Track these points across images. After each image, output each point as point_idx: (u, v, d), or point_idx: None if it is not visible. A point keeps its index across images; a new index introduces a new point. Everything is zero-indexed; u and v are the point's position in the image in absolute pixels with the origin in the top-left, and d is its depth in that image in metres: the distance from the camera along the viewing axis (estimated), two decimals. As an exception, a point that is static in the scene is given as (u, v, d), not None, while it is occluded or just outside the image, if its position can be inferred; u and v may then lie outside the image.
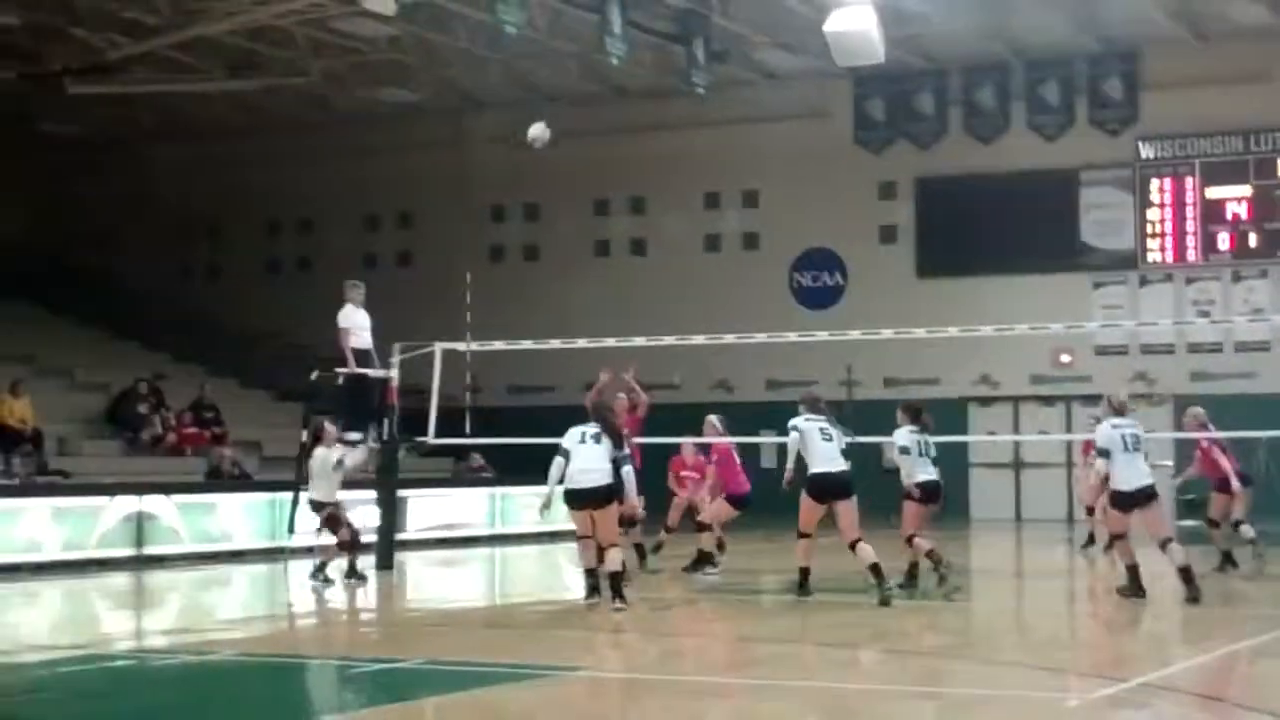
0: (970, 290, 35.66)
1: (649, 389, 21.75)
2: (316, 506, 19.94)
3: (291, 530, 22.26)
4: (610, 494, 16.38)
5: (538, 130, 22.44)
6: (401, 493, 23.58)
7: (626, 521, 17.87)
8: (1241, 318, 33.32)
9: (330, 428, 20.23)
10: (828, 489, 16.88)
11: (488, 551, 26.80)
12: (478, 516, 28.64)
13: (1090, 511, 24.31)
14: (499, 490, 29.27)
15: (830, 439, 16.92)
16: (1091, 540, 24.04)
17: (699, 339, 23.93)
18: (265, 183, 41.90)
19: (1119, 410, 17.39)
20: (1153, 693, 11.32)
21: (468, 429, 23.11)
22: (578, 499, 16.39)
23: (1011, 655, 13.93)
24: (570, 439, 16.48)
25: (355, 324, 21.68)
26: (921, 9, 32.33)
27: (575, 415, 17.13)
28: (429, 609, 19.13)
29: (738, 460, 20.80)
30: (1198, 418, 21.16)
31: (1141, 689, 11.41)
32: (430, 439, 22.60)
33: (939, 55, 36.64)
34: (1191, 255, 35.53)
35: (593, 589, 16.58)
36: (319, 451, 19.89)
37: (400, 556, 22.67)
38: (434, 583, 22.51)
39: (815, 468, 16.85)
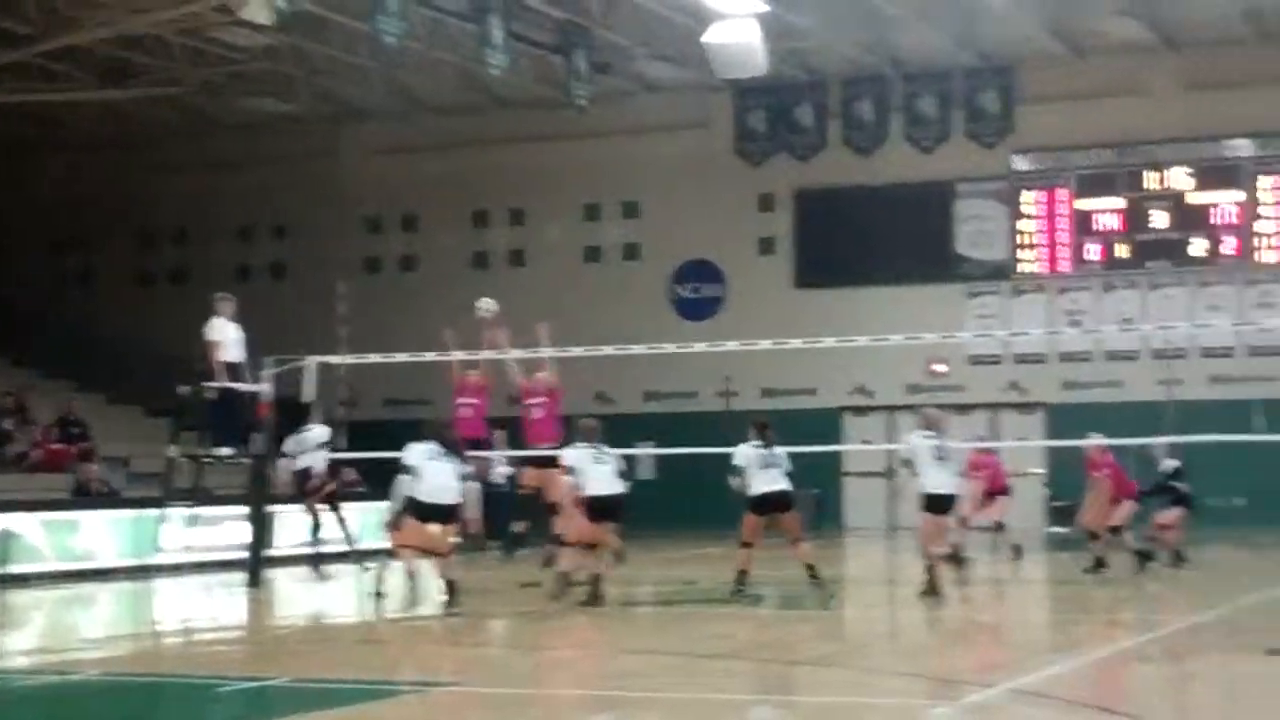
0: (847, 301, 35.92)
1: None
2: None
3: (159, 547, 21.92)
4: (458, 511, 16.93)
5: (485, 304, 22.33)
6: (272, 508, 23.29)
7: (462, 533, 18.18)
8: (1111, 327, 33.79)
9: None
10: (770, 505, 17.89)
11: (359, 567, 26.51)
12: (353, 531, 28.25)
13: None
14: (372, 505, 28.89)
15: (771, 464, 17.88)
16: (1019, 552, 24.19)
17: (578, 350, 23.87)
18: (139, 193, 41.39)
19: (931, 424, 18.38)
20: (1020, 698, 11.41)
21: (344, 443, 22.91)
22: (437, 514, 16.62)
23: (883, 663, 14.00)
24: (416, 456, 16.58)
25: (225, 337, 21.42)
26: (802, 22, 32.50)
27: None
28: (298, 625, 18.91)
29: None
30: (1098, 448, 21.64)
31: (1009, 694, 11.49)
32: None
33: (819, 68, 36.90)
34: (1064, 266, 35.99)
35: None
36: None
37: (270, 573, 22.38)
38: (304, 599, 22.25)
39: (759, 488, 17.81)
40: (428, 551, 16.92)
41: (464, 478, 16.79)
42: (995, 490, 23.98)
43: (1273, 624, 16.00)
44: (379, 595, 18.58)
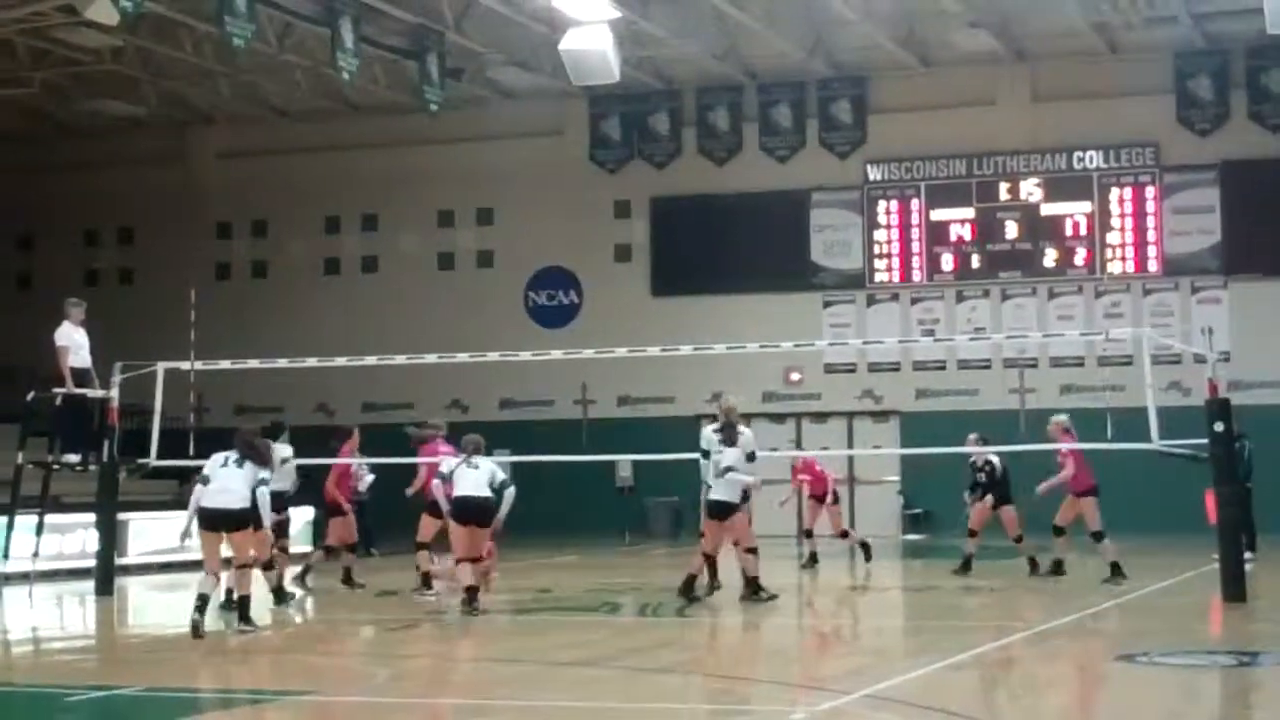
0: (704, 309, 36.02)
1: (383, 409, 21.47)
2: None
3: (5, 555, 21.50)
4: (245, 518, 16.14)
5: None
6: (122, 516, 22.92)
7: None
8: (964, 336, 34.18)
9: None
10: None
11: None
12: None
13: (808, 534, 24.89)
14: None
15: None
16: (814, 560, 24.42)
17: (431, 358, 23.67)
18: (-18, 197, 40.52)
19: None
20: (876, 704, 11.45)
21: (191, 450, 22.51)
22: (209, 520, 16.02)
23: (740, 670, 14.01)
24: (212, 464, 16.30)
25: (74, 343, 21.01)
26: (655, 30, 32.54)
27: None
28: (150, 635, 18.57)
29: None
30: (1061, 424, 21.35)
31: (864, 700, 11.53)
32: (152, 461, 21.96)
33: (674, 76, 36.98)
34: (917, 275, 36.33)
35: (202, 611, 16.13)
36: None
37: (121, 581, 22.04)
38: (156, 608, 21.88)
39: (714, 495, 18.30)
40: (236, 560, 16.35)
41: (258, 484, 16.25)
42: (818, 496, 24.09)
43: (1122, 631, 16.20)
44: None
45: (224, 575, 16.37)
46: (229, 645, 15.70)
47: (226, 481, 16.01)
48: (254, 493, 16.04)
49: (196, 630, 15.44)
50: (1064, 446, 20.95)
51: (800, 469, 24.64)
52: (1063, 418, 21.61)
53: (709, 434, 18.74)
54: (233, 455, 16.19)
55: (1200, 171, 34.92)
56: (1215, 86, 34.82)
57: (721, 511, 18.38)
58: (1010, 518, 22.05)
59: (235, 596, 16.37)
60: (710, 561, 18.69)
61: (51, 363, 21.24)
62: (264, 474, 16.19)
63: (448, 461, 18.56)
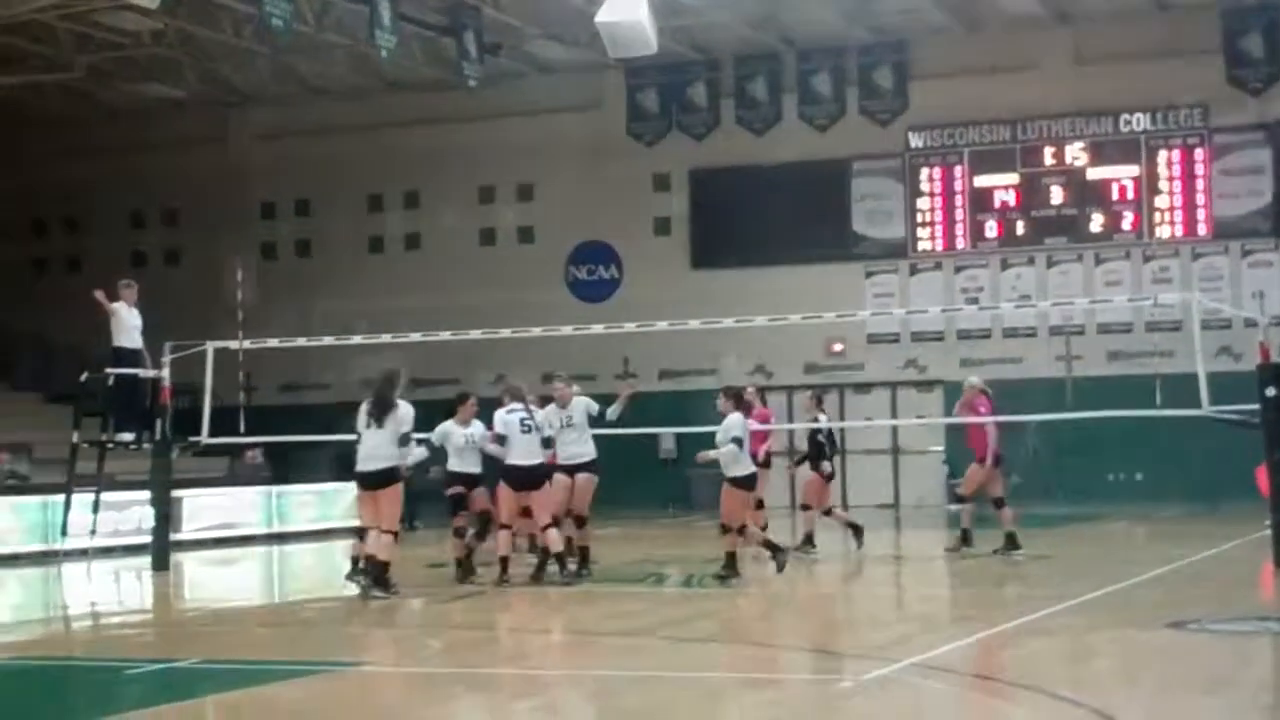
0: (744, 281, 35.97)
1: (429, 385, 21.54)
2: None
3: (64, 533, 21.81)
4: (389, 477, 16.40)
5: None
6: (176, 493, 23.23)
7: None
8: (1009, 304, 34.03)
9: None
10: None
11: (265, 550, 26.42)
12: (254, 515, 28.19)
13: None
14: (275, 489, 28.89)
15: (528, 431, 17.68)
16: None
17: (475, 334, 23.78)
18: (29, 181, 40.71)
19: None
20: (922, 672, 11.50)
21: (241, 427, 22.70)
22: (360, 482, 16.56)
23: (785, 639, 14.07)
24: (359, 422, 16.58)
25: (126, 324, 21.25)
26: (692, 0, 32.51)
27: (352, 412, 16.97)
28: (206, 609, 18.77)
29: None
30: (975, 388, 21.13)
31: (911, 669, 11.58)
32: (204, 438, 22.18)
33: (711, 46, 36.91)
34: (960, 243, 36.19)
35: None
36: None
37: (176, 557, 22.27)
38: (211, 582, 22.12)
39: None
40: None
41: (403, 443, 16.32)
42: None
43: (1171, 599, 16.21)
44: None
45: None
46: (289, 618, 15.88)
47: (370, 442, 16.36)
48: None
49: (366, 594, 16.37)
50: (973, 420, 20.63)
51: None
52: (976, 380, 21.36)
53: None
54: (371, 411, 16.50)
55: (1250, 132, 34.61)
56: (1266, 44, 34.40)
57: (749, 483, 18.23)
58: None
59: (367, 561, 16.60)
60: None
61: (104, 343, 21.54)
62: (405, 428, 16.41)
63: (501, 419, 17.80)
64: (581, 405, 18.47)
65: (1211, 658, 12.43)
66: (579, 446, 18.40)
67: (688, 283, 36.82)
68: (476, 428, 18.00)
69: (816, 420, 21.83)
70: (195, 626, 15.74)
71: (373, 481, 16.43)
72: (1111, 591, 16.27)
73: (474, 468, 18.15)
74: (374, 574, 16.39)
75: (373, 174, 39.58)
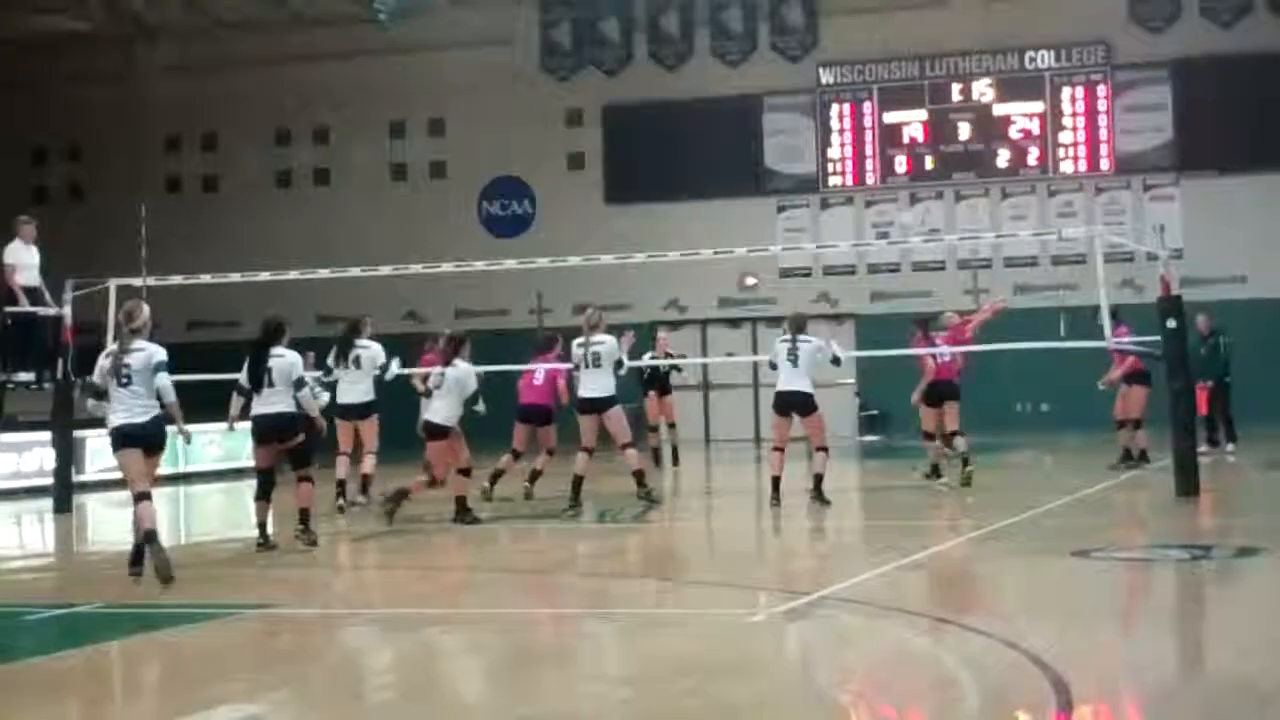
0: (658, 216, 35.96)
1: (337, 321, 21.43)
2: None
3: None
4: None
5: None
6: (78, 433, 22.83)
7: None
8: (918, 238, 34.20)
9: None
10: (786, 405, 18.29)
11: (170, 490, 26.15)
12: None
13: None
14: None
15: (793, 360, 18.07)
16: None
17: (386, 269, 23.58)
18: (-73, 115, 40.07)
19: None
20: (834, 604, 11.54)
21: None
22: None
23: (699, 574, 14.10)
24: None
25: (22, 261, 20.88)
26: (603, -66, 32.33)
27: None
28: (109, 552, 18.53)
29: None
30: (950, 322, 21.17)
31: (822, 601, 11.62)
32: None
33: (622, -19, 36.71)
34: (870, 179, 36.33)
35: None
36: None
37: (79, 499, 22.01)
38: (114, 525, 21.82)
39: (777, 385, 18.27)
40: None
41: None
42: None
43: (1076, 528, 16.34)
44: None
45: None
46: (196, 560, 15.72)
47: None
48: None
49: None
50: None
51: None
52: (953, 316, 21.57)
53: None
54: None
55: (1152, 69, 34.94)
56: (1169, -19, 34.78)
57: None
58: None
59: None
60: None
61: (2, 282, 21.11)
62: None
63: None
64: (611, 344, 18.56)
65: (1115, 586, 12.57)
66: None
67: (601, 218, 36.74)
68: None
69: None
70: (97, 570, 15.57)
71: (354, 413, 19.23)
72: (1017, 521, 16.40)
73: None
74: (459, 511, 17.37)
75: (281, 108, 39.15)
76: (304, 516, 15.71)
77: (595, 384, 18.26)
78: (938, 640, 10.22)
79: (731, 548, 16.70)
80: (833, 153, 36.52)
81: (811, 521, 17.36)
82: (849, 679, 9.41)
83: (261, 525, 15.54)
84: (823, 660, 10.12)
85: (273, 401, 15.50)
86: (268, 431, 15.57)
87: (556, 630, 11.43)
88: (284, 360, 15.59)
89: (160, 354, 13.75)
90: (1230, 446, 24.30)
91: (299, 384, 15.56)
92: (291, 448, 15.71)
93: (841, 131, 36.47)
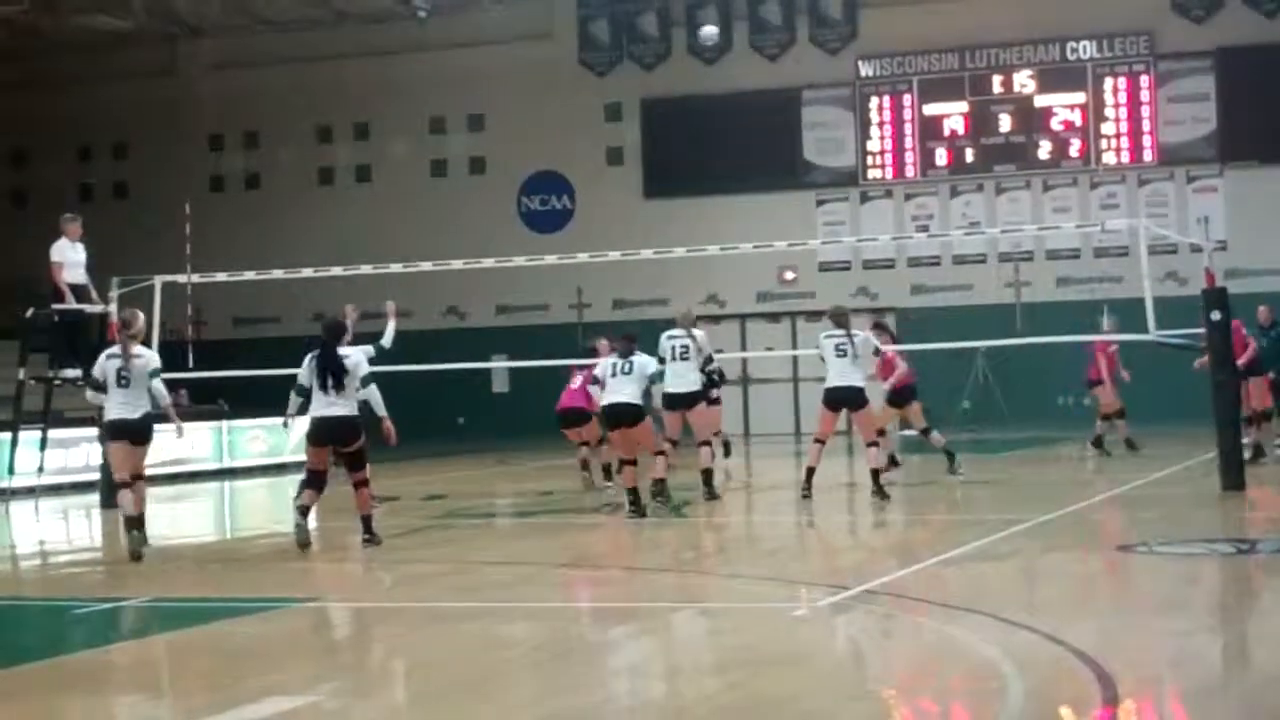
0: (696, 210, 35.98)
1: (381, 317, 21.42)
2: None
3: (10, 471, 21.66)
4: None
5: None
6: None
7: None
8: (959, 231, 34.13)
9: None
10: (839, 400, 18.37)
11: (216, 486, 26.35)
12: (205, 451, 28.11)
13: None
14: (226, 424, 28.78)
15: (844, 355, 18.19)
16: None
17: (426, 265, 23.72)
18: (-27, 114, 40.38)
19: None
20: (875, 598, 11.56)
21: (190, 363, 22.58)
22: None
23: (740, 568, 14.12)
24: (603, 369, 17.74)
25: (70, 259, 21.01)
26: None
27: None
28: (157, 546, 18.65)
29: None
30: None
31: (864, 596, 11.64)
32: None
33: (661, -25, 36.73)
34: (910, 171, 36.28)
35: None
36: None
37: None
38: (162, 519, 21.96)
39: (829, 381, 18.35)
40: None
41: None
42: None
43: (1120, 522, 16.32)
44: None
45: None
46: (242, 554, 15.84)
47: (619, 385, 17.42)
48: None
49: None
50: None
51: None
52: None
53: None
54: (619, 362, 17.51)
55: (1195, 59, 34.78)
56: (1211, -29, 34.57)
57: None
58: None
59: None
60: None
61: (47, 279, 21.25)
62: (652, 370, 17.61)
63: (601, 365, 18.18)
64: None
65: (1160, 580, 12.55)
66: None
67: (640, 212, 36.82)
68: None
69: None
70: (145, 564, 15.68)
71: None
72: (1061, 515, 16.39)
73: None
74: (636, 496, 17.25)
75: (322, 105, 39.36)
76: (367, 524, 15.46)
77: (682, 380, 18.14)
78: (981, 635, 10.23)
79: (773, 542, 16.72)
80: (872, 145, 36.49)
81: (851, 516, 17.37)
82: (891, 673, 9.44)
83: (304, 509, 15.27)
84: (865, 654, 10.16)
85: (335, 405, 15.13)
86: (327, 435, 15.30)
87: (600, 623, 11.48)
88: (349, 360, 15.29)
89: (155, 361, 15.36)
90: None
91: (366, 381, 15.29)
92: (349, 453, 15.52)
93: (881, 124, 36.43)
